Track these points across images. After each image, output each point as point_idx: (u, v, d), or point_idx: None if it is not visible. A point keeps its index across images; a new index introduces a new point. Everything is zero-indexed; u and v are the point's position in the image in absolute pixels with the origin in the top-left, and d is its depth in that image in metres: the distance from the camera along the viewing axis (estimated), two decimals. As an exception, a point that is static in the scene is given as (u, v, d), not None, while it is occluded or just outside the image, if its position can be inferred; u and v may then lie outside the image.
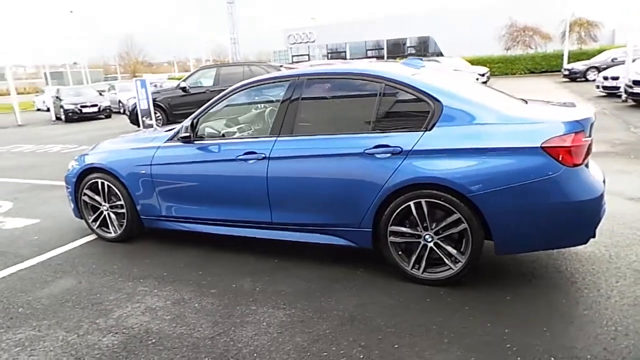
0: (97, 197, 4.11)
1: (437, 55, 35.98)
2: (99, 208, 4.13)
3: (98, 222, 4.17)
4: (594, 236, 2.91)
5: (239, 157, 3.40)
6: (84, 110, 17.48)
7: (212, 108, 3.69)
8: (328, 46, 49.16)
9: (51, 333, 2.69)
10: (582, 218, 2.76)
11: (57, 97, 18.55)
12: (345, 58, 43.28)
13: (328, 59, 45.63)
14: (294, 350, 2.40)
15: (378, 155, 2.99)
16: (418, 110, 3.01)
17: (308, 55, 48.06)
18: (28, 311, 2.96)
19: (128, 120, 13.05)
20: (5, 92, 48.88)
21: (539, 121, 2.81)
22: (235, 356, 2.38)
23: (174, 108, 12.07)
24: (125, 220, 4.00)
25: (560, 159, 2.67)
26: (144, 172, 3.81)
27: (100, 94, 20.07)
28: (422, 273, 3.02)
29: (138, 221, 3.97)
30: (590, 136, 2.87)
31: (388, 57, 40.26)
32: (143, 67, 77.76)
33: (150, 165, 3.78)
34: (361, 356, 2.33)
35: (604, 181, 3.01)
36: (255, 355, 2.38)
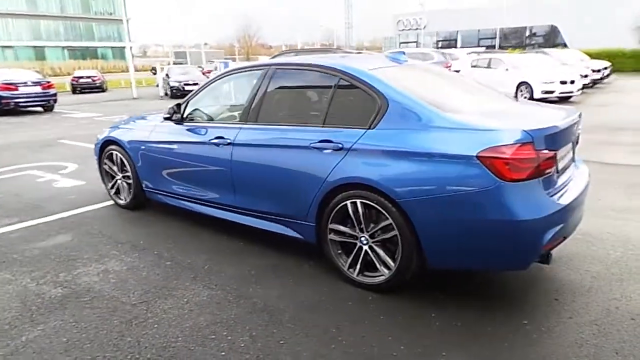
0: (114, 167, 4.60)
1: (563, 46, 32.61)
2: (115, 177, 4.63)
3: (114, 190, 4.68)
4: (545, 262, 2.58)
5: (210, 141, 3.57)
6: (187, 87, 19.08)
7: (199, 92, 3.91)
8: (438, 34, 47.15)
9: (19, 279, 3.15)
10: (519, 240, 2.45)
11: (166, 75, 20.52)
12: (455, 46, 41.21)
13: (437, 47, 43.88)
14: (189, 329, 2.53)
15: (324, 150, 2.94)
16: (366, 107, 2.89)
17: (416, 42, 46.60)
18: (19, 258, 3.49)
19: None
20: (141, 67, 55.50)
21: (484, 128, 2.52)
22: (140, 324, 2.59)
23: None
24: (132, 190, 4.44)
25: (496, 171, 2.39)
26: (143, 147, 4.18)
27: (204, 74, 21.75)
28: (357, 275, 2.93)
29: (142, 192, 4.37)
30: (550, 148, 2.52)
31: (504, 47, 37.41)
32: (263, 49, 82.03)
33: (147, 142, 4.14)
34: (242, 345, 2.38)
35: (576, 199, 2.65)
36: (156, 326, 2.56)
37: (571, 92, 13.11)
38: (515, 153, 2.39)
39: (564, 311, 2.65)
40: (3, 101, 13.57)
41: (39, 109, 15.01)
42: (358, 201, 2.81)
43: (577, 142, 3.20)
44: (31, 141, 9.26)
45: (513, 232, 2.42)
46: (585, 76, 15.26)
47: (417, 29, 46.35)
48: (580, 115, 3.18)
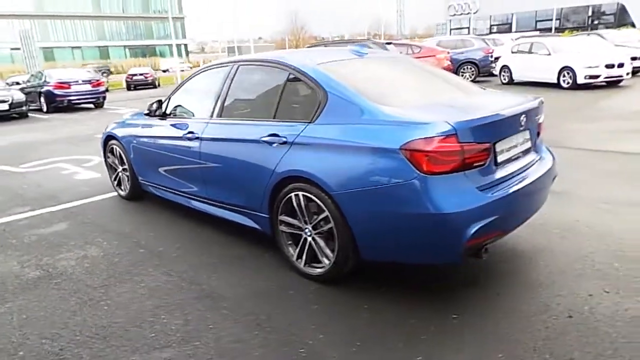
0: (115, 160, 4.94)
1: (631, 26, 30.18)
2: (117, 169, 4.96)
3: (116, 181, 5.02)
4: (478, 256, 2.54)
5: (184, 135, 3.75)
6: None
7: (179, 89, 4.11)
8: (492, 18, 45.09)
9: (9, 262, 3.51)
10: (441, 234, 2.42)
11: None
12: (510, 31, 39.26)
13: (490, 32, 42.02)
14: (134, 312, 2.72)
15: (272, 144, 3.02)
16: (310, 101, 2.94)
17: (469, 28, 44.85)
18: (15, 243, 3.87)
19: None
20: (195, 64, 57.58)
21: (409, 122, 2.49)
22: (93, 305, 2.82)
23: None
24: (130, 182, 4.75)
25: (417, 164, 2.37)
26: (134, 142, 4.46)
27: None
28: (304, 266, 3.01)
29: (138, 184, 4.66)
30: (481, 141, 2.46)
31: (562, 29, 35.14)
32: (314, 41, 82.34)
33: (138, 136, 4.41)
34: (173, 327, 2.54)
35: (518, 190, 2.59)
36: (105, 308, 2.78)
37: (620, 77, 12.17)
38: (436, 146, 2.35)
39: (500, 306, 2.59)
40: (57, 99, 14.70)
41: (90, 105, 16.11)
42: (300, 193, 2.88)
43: (538, 131, 3.07)
44: (73, 136, 10.00)
45: (434, 225, 2.40)
46: (635, 58, 14.00)
47: (468, 13, 44.61)
48: (540, 103, 3.06)
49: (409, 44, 15.10)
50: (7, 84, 17.41)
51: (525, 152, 2.91)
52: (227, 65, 3.65)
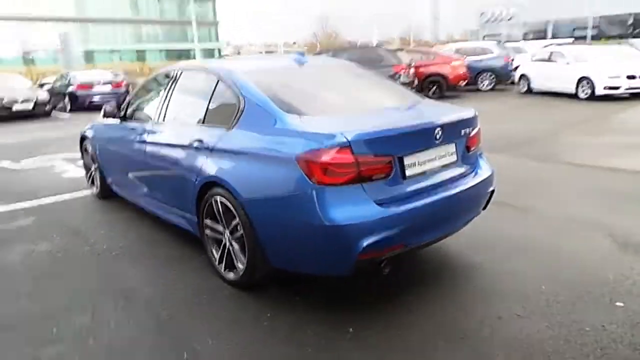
0: (89, 159, 5.11)
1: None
2: (90, 168, 5.13)
3: (90, 180, 5.18)
4: (379, 270, 2.48)
5: (134, 139, 3.85)
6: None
7: (136, 93, 4.22)
8: (527, 24, 43.87)
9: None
10: (331, 245, 2.39)
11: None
12: (545, 38, 38.09)
13: (525, 39, 40.91)
14: (50, 306, 2.81)
15: (198, 149, 3.06)
16: (232, 108, 2.96)
17: (501, 35, 43.79)
18: (-18, 236, 4.08)
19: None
20: (228, 67, 58.77)
21: (310, 132, 2.48)
22: (16, 297, 2.93)
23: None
24: (99, 180, 4.90)
25: (310, 175, 2.35)
26: (100, 143, 4.61)
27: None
28: (224, 270, 3.02)
29: (106, 183, 4.80)
30: (381, 153, 2.41)
31: (600, 38, 33.80)
32: (346, 46, 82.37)
33: (103, 137, 4.56)
34: (76, 324, 2.61)
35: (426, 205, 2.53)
36: (24, 301, 2.89)
37: (642, 88, 11.60)
38: (329, 157, 2.32)
39: (400, 323, 2.51)
40: (79, 99, 15.29)
41: (113, 106, 16.67)
42: (218, 198, 2.90)
43: (468, 145, 2.97)
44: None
45: (324, 236, 2.37)
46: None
47: (501, 19, 43.61)
48: (473, 115, 2.98)
49: (423, 51, 14.93)
50: (39, 85, 18.26)
51: (447, 166, 2.82)
52: (171, 71, 3.74)
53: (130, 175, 4.11)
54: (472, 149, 3.02)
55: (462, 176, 2.91)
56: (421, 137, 2.63)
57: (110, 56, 58.37)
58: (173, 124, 3.51)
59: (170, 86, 3.63)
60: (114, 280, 3.14)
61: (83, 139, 5.12)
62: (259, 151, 2.64)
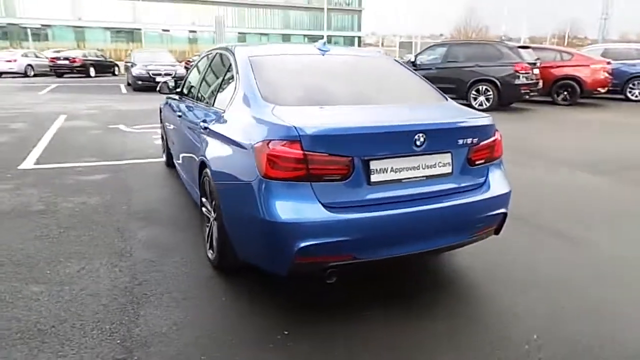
0: (162, 130, 5.64)
1: None
2: (163, 137, 5.65)
3: (164, 148, 5.71)
4: (325, 278, 2.32)
5: (176, 114, 4.14)
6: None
7: (189, 72, 4.50)
8: None
9: (32, 194, 4.39)
10: (269, 242, 2.29)
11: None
12: None
13: None
14: (48, 252, 3.21)
15: (203, 129, 3.17)
16: (232, 90, 2.98)
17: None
18: (54, 183, 4.78)
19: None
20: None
21: (272, 122, 2.37)
22: (30, 238, 3.41)
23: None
24: (165, 150, 5.39)
25: (260, 166, 2.28)
26: (164, 115, 5.06)
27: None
28: (208, 249, 3.09)
29: (169, 152, 5.25)
30: (338, 154, 2.23)
31: None
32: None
33: (165, 110, 5.00)
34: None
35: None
36: (42, 243, 3.34)
37: None
38: (277, 150, 2.22)
39: (325, 330, 2.32)
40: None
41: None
42: (206, 179, 2.98)
43: (471, 157, 2.57)
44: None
45: (263, 232, 2.29)
46: None
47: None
48: (479, 123, 2.60)
49: (558, 49, 13.17)
50: (187, 61, 20.55)
51: (436, 178, 2.48)
52: (210, 53, 3.91)
53: (174, 148, 4.45)
54: (477, 162, 2.61)
55: (455, 192, 2.54)
56: (396, 141, 2.35)
57: (259, 39, 62.96)
58: (197, 103, 3.69)
59: (206, 66, 3.81)
60: (121, 240, 3.43)
61: (160, 110, 5.66)
62: (232, 136, 2.62)
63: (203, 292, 2.74)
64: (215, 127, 2.90)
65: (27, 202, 4.20)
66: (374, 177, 2.33)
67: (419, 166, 2.43)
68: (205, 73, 3.79)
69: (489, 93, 11.02)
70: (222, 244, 2.74)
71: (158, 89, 4.78)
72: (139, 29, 52.93)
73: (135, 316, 2.46)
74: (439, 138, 2.44)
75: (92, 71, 23.06)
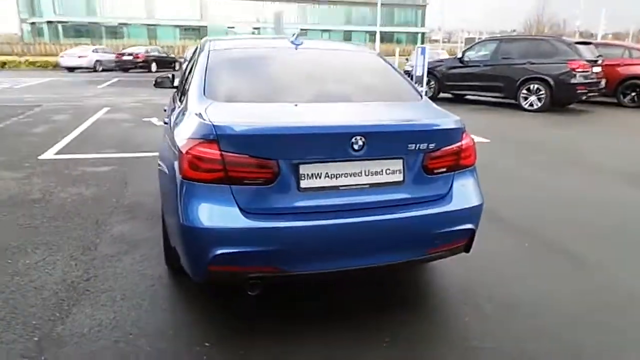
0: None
1: None
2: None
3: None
4: (248, 290, 2.15)
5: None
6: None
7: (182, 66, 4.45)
8: None
9: (35, 183, 4.57)
10: (187, 246, 2.14)
11: (406, 59, 21.16)
12: None
13: None
14: (28, 233, 3.28)
15: (165, 124, 3.10)
16: (189, 85, 2.85)
17: None
18: (62, 172, 4.95)
19: (418, 85, 13.88)
20: (451, 51, 57.42)
21: (202, 120, 2.18)
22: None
23: (446, 78, 11.96)
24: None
25: (180, 165, 2.14)
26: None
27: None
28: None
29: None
30: (259, 156, 2.03)
31: None
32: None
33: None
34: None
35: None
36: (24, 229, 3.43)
37: None
38: (192, 150, 2.07)
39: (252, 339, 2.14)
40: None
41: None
42: (162, 176, 2.90)
43: (427, 164, 2.27)
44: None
45: (179, 235, 2.15)
46: None
47: None
48: (445, 128, 2.29)
49: (626, 45, 11.88)
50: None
51: (383, 186, 2.20)
52: (199, 44, 3.81)
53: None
54: (437, 170, 2.30)
55: (407, 203, 2.25)
56: (329, 144, 2.10)
57: (321, 35, 63.15)
58: (175, 97, 3.62)
59: (191, 60, 3.72)
60: (93, 233, 3.43)
61: (172, 105, 5.70)
62: (170, 134, 2.53)
63: (144, 294, 2.65)
64: (171, 122, 2.80)
65: (29, 191, 4.37)
66: (304, 183, 2.10)
67: (360, 172, 2.17)
68: (185, 67, 3.73)
69: (541, 92, 10.15)
70: (165, 243, 2.66)
71: (154, 83, 4.78)
72: (205, 26, 54.99)
73: (66, 313, 2.43)
74: (383, 142, 2.16)
75: (153, 66, 24.21)
